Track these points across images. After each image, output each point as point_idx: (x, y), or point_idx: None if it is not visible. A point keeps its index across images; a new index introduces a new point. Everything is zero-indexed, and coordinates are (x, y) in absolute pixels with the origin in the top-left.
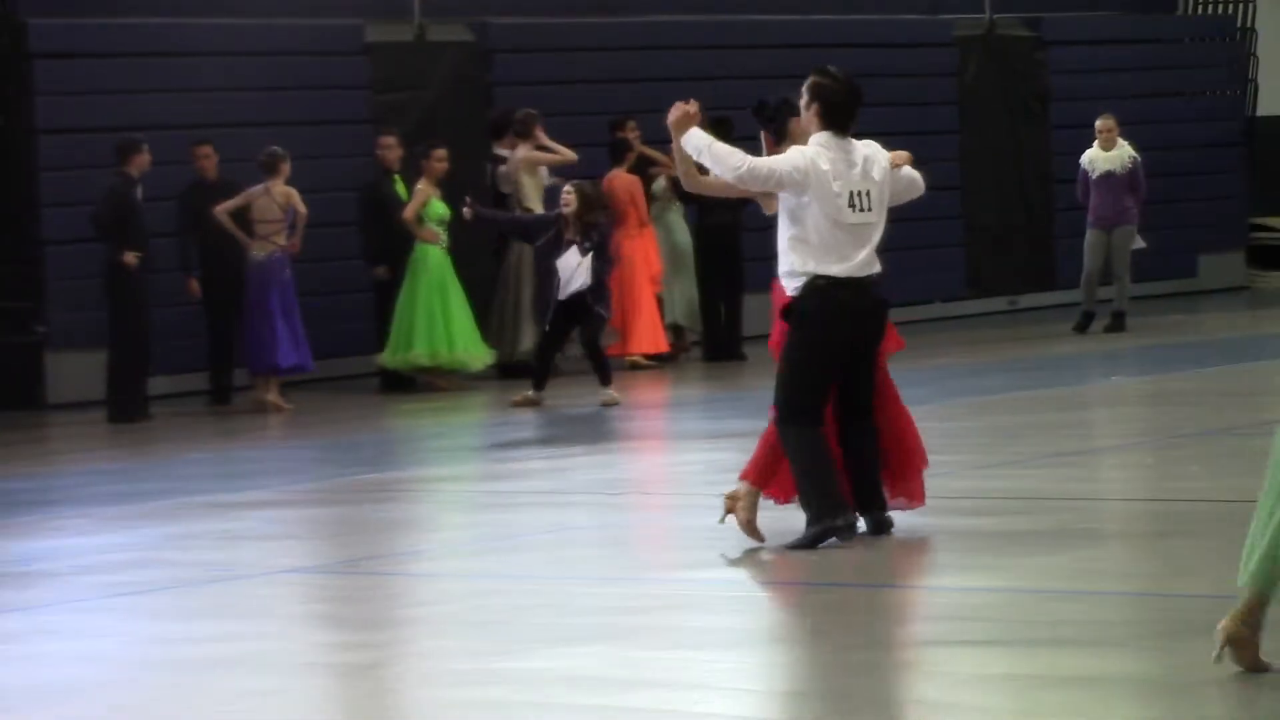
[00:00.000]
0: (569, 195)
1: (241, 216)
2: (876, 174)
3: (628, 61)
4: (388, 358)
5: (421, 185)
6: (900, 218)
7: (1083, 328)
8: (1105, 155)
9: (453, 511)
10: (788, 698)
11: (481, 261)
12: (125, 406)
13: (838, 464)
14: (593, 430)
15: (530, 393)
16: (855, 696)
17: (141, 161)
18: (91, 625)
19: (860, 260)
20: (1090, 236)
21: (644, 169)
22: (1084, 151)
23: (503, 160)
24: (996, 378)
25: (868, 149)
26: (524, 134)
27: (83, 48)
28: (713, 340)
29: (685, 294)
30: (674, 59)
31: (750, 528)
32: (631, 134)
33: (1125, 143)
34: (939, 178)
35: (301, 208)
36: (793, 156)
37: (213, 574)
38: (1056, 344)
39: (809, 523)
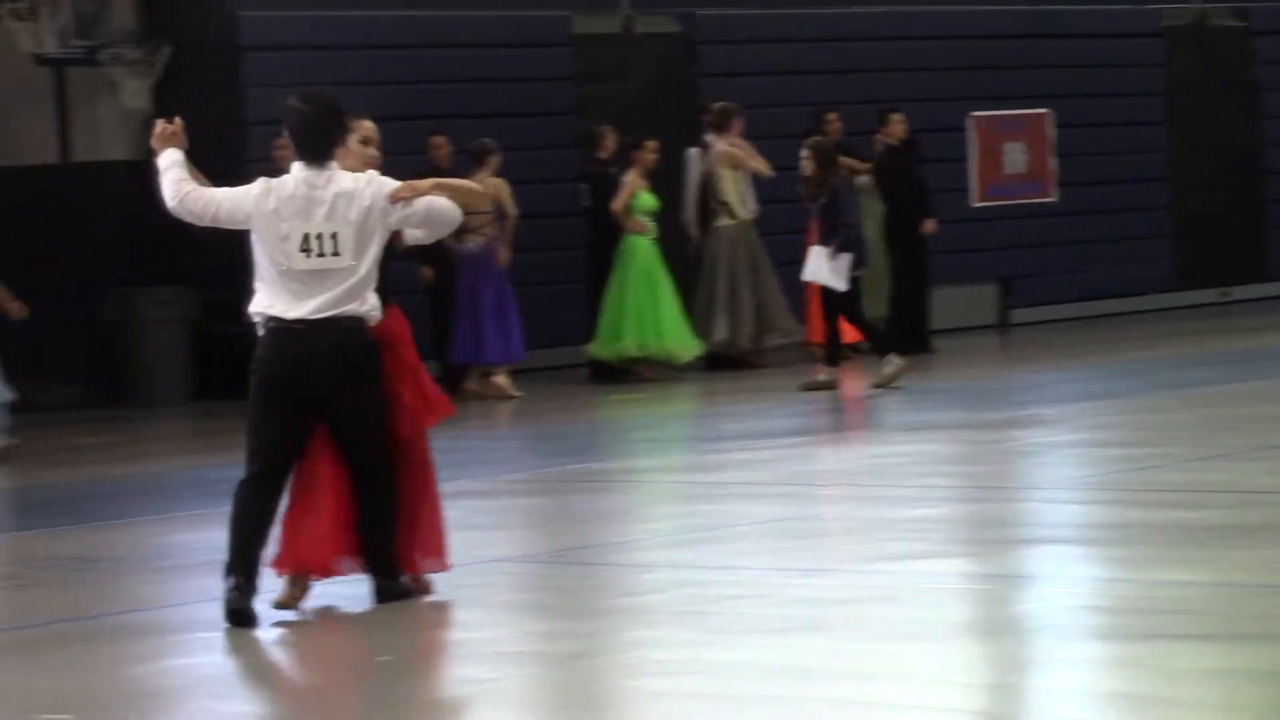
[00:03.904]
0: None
1: None
2: (354, 214)
3: (834, 53)
4: (597, 349)
5: (631, 176)
6: (1109, 209)
7: None
8: None
9: (660, 502)
10: (994, 690)
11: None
12: None
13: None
14: (798, 422)
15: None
16: (1064, 690)
17: None
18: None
19: (315, 304)
20: None
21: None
22: None
23: None
24: (1208, 370)
25: (352, 183)
26: (721, 127)
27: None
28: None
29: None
30: (870, 51)
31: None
32: (833, 126)
33: None
34: (1147, 169)
35: (512, 210)
36: (237, 192)
37: None
38: (1269, 336)
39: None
